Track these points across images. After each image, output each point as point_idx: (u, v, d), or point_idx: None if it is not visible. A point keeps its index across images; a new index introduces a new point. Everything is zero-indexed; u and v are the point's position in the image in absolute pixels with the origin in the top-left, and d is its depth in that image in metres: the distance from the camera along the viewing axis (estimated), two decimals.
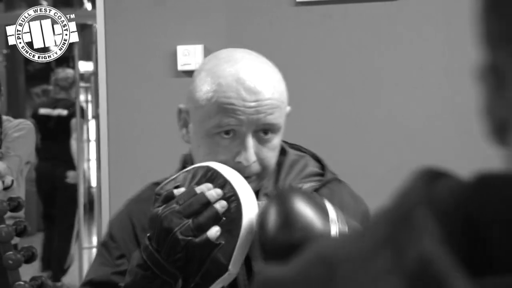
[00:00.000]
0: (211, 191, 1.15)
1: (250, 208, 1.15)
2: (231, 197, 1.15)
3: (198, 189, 1.15)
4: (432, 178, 0.52)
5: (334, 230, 1.11)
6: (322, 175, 1.37)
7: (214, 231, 1.13)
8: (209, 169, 1.18)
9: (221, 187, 1.16)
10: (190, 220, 1.13)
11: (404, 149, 2.68)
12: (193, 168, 1.21)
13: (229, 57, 1.28)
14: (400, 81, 2.71)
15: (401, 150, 2.69)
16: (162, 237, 1.14)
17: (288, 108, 1.30)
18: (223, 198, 1.15)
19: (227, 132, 1.23)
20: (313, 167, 1.37)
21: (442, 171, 0.53)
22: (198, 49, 2.80)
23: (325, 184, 1.35)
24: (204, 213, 1.13)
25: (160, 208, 1.15)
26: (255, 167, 1.24)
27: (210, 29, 2.83)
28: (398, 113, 2.70)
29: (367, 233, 0.51)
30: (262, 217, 1.12)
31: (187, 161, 1.37)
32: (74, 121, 5.35)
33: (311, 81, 2.74)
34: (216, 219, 1.13)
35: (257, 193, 1.23)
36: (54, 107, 5.62)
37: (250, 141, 1.23)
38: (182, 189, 1.17)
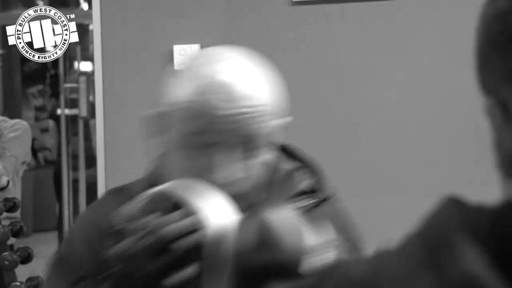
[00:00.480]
0: (172, 226, 0.93)
1: (227, 242, 0.94)
2: (200, 231, 0.94)
3: (158, 224, 0.94)
4: (459, 205, 0.57)
5: (330, 252, 0.98)
6: (318, 190, 1.18)
7: (177, 278, 0.93)
8: (172, 194, 0.96)
9: (188, 216, 0.94)
10: (151, 264, 0.93)
11: (403, 149, 2.68)
12: (155, 192, 0.98)
13: (216, 56, 1.08)
14: (397, 81, 2.70)
15: (400, 150, 2.68)
16: (119, 283, 0.95)
17: (286, 119, 1.13)
18: (191, 231, 0.93)
19: (207, 144, 1.04)
20: (308, 180, 1.18)
21: (463, 198, 0.57)
22: (195, 48, 2.79)
23: (318, 204, 1.17)
24: (165, 256, 0.93)
25: (114, 248, 0.95)
26: (240, 185, 1.05)
27: (206, 29, 2.82)
28: (396, 113, 2.70)
29: (400, 256, 0.56)
30: (239, 238, 0.95)
31: (156, 178, 1.14)
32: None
33: (308, 81, 2.74)
34: (180, 261, 0.93)
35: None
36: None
37: (235, 155, 1.04)
38: (139, 223, 0.95)
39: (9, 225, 2.58)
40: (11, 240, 2.73)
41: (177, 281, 0.92)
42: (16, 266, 2.54)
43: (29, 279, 2.59)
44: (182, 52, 2.82)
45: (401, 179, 2.64)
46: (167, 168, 1.12)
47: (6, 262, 2.50)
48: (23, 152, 3.56)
